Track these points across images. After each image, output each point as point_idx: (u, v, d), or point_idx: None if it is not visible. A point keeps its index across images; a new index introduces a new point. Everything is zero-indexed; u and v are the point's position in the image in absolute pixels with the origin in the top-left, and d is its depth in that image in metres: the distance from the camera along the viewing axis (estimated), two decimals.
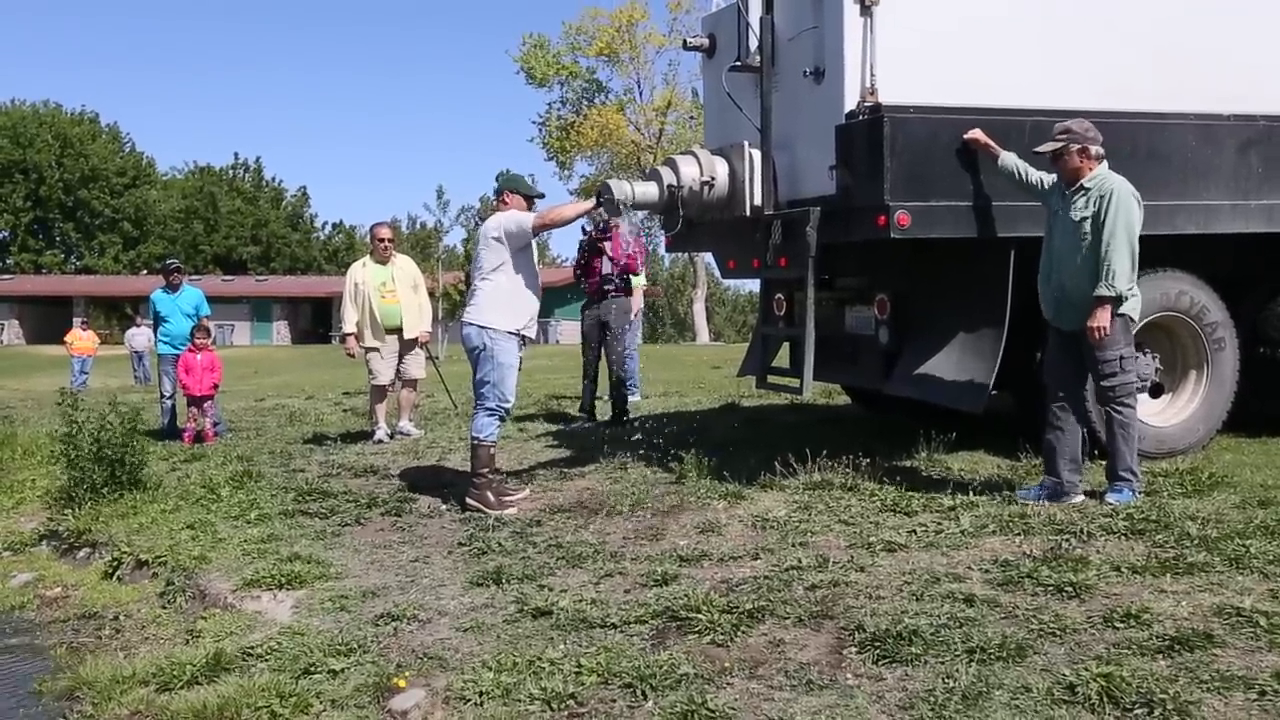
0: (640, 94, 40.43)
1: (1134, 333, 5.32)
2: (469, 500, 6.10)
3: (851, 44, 5.74)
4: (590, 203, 6.41)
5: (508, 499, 6.13)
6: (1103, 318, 5.06)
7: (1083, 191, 5.19)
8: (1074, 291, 5.20)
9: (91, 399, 9.52)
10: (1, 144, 62.17)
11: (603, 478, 6.66)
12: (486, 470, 6.15)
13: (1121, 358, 5.14)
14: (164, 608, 5.17)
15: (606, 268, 8.91)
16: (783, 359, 7.26)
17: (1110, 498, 5.18)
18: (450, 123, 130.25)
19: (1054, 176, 5.41)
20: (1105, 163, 5.24)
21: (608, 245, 8.87)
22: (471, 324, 6.16)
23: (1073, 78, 5.91)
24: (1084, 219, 5.15)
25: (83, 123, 66.45)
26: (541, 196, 6.53)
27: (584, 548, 5.06)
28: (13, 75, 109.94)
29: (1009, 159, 5.56)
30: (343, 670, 3.79)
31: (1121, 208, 5.06)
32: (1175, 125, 6.03)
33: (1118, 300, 5.06)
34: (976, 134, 5.61)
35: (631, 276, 9.19)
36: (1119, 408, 5.20)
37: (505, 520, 5.78)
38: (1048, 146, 5.29)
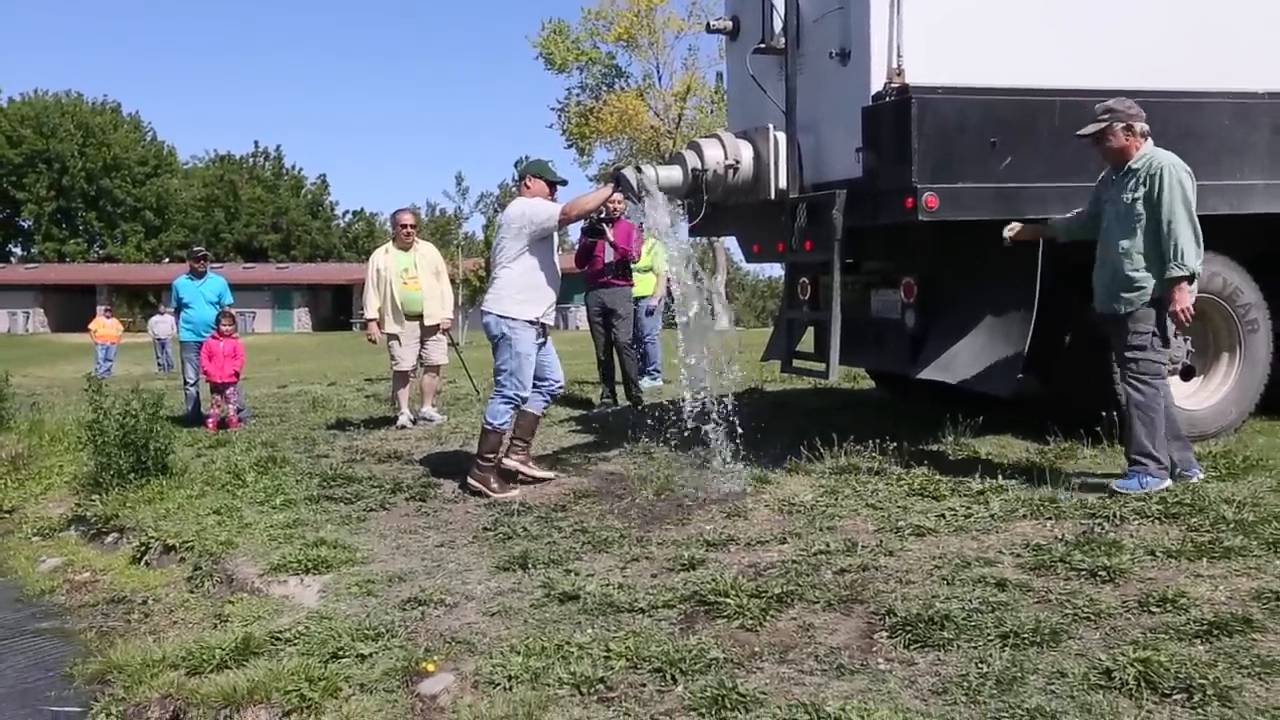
0: (660, 79, 40.21)
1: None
2: (470, 480, 6.17)
3: (878, 25, 5.67)
4: (609, 189, 6.34)
5: (532, 471, 6.26)
6: (1182, 299, 4.84)
7: (1131, 173, 5.01)
8: (1116, 275, 5.00)
9: (116, 386, 9.58)
10: (25, 134, 62.60)
11: (627, 462, 6.64)
12: (493, 455, 6.20)
13: (1154, 334, 4.95)
14: (192, 592, 5.20)
15: (608, 255, 8.92)
16: (807, 343, 7.20)
17: (1116, 484, 4.93)
18: (470, 109, 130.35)
19: (1098, 181, 5.25)
20: (1150, 140, 5.07)
21: (609, 231, 8.85)
22: (491, 313, 6.19)
23: (1104, 56, 5.82)
24: (1135, 200, 4.96)
25: (104, 112, 66.82)
26: (564, 183, 6.52)
27: (610, 532, 5.05)
28: (35, 66, 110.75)
29: (1058, 222, 5.41)
30: (371, 654, 3.79)
31: (1174, 183, 4.86)
32: (1209, 104, 5.93)
33: (1191, 278, 4.84)
34: (1014, 229, 5.48)
35: (634, 263, 9.21)
36: (1140, 385, 4.94)
37: (527, 505, 5.76)
38: (1091, 128, 5.09)
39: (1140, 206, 4.95)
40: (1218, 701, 2.85)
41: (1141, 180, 4.97)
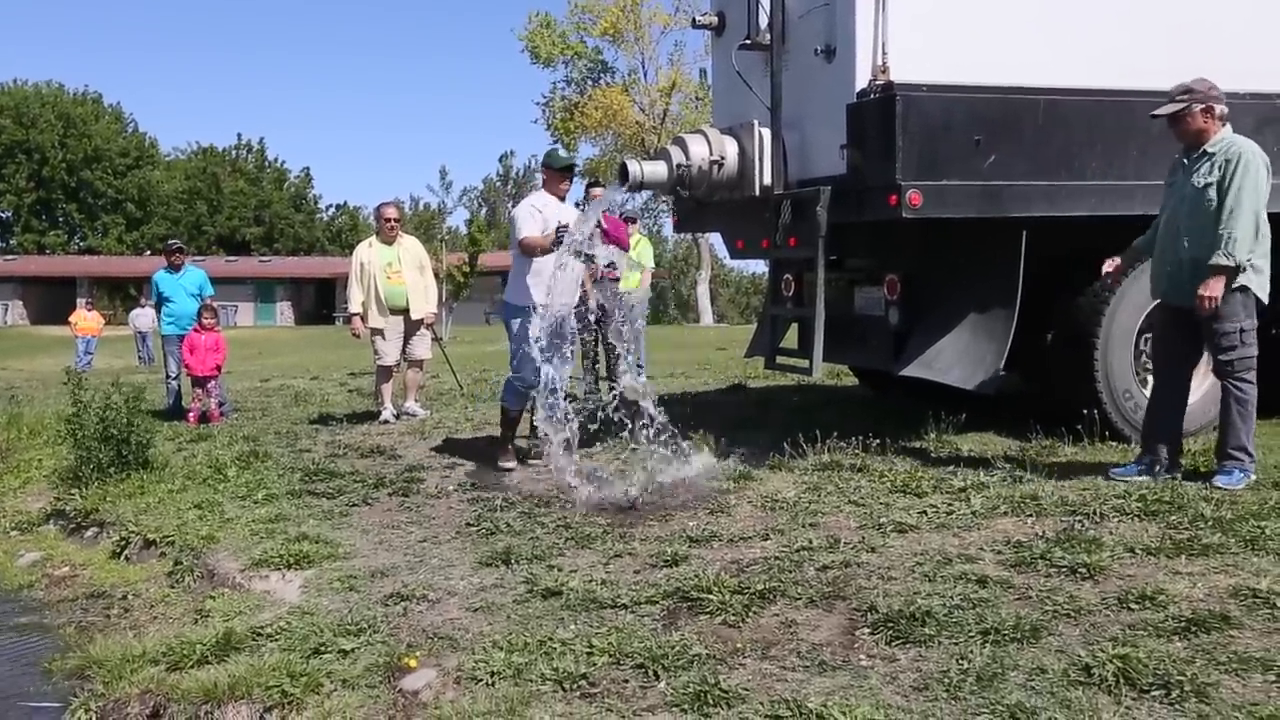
0: (645, 74, 40.20)
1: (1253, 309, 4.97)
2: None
3: (863, 22, 5.70)
4: (552, 240, 6.27)
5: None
6: (1215, 287, 4.78)
7: (1206, 157, 4.91)
8: (1195, 264, 4.89)
9: (96, 379, 9.52)
10: (4, 124, 61.95)
11: (610, 458, 6.64)
12: (509, 432, 6.71)
13: (1242, 330, 4.88)
14: (172, 587, 5.17)
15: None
16: (791, 340, 7.22)
17: (1218, 480, 4.90)
18: (454, 103, 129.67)
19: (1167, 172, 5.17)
20: (1229, 126, 4.97)
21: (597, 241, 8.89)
22: (503, 300, 6.66)
23: (1089, 55, 5.85)
24: (1207, 185, 4.86)
25: (85, 103, 66.18)
26: (568, 167, 6.83)
27: (593, 528, 5.04)
28: (15, 55, 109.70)
29: (1141, 241, 5.33)
30: (353, 650, 3.78)
31: (1249, 173, 4.76)
32: None
33: (1235, 270, 4.78)
34: (1113, 263, 5.43)
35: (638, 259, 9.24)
36: (1237, 382, 4.93)
37: (510, 501, 5.75)
38: (1167, 109, 4.98)
39: (1213, 193, 4.84)
40: (1195, 698, 2.87)
41: (1217, 165, 4.86)
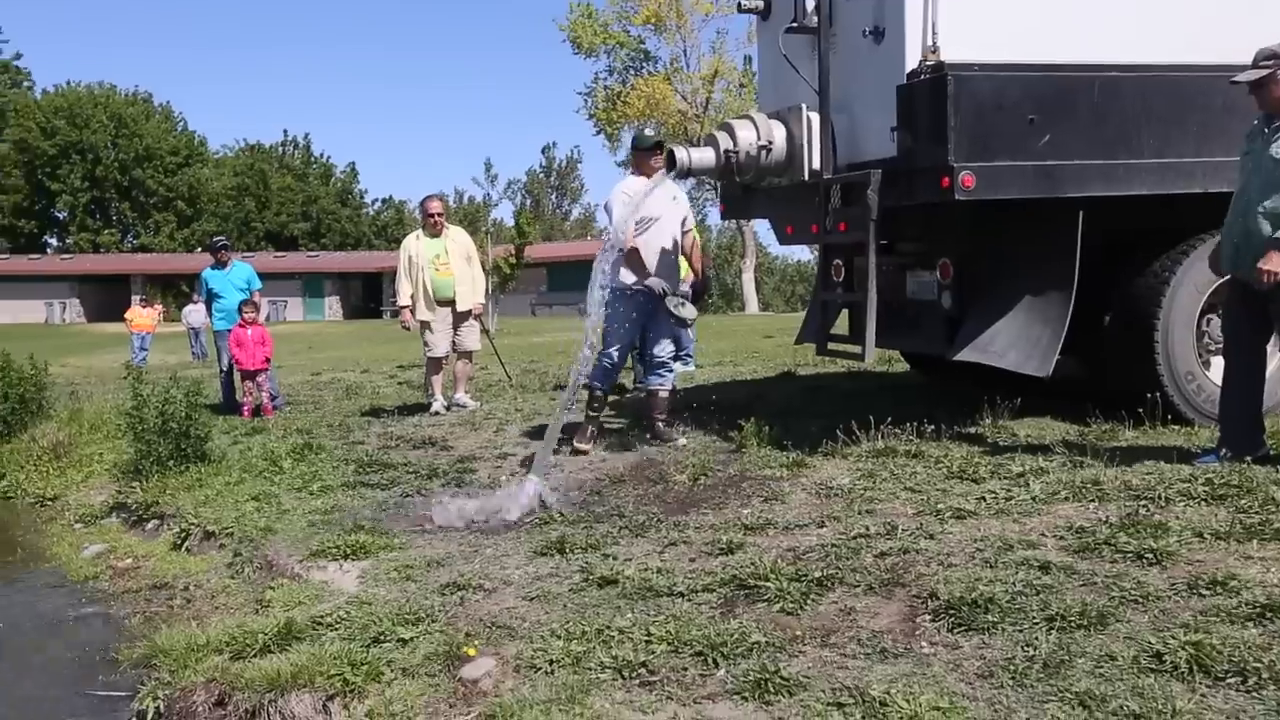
0: (687, 63, 40.04)
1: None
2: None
3: (912, 2, 5.60)
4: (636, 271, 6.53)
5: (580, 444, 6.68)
6: (1276, 261, 4.61)
7: None
8: (1261, 236, 4.72)
9: (152, 375, 9.69)
10: (59, 125, 63.22)
11: (662, 447, 6.62)
12: (591, 414, 6.74)
13: None
14: (232, 578, 5.23)
15: None
16: (841, 326, 7.16)
17: None
18: (496, 95, 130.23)
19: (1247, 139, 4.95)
20: None
21: None
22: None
23: (1143, 31, 5.71)
24: None
25: (136, 103, 67.32)
26: (657, 144, 6.74)
27: (646, 517, 5.03)
28: (68, 58, 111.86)
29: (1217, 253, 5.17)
30: (412, 639, 3.80)
31: None
32: None
33: None
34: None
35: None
36: None
37: (563, 491, 5.74)
38: (1248, 75, 4.78)
39: None
40: (1274, 685, 2.79)
41: None
